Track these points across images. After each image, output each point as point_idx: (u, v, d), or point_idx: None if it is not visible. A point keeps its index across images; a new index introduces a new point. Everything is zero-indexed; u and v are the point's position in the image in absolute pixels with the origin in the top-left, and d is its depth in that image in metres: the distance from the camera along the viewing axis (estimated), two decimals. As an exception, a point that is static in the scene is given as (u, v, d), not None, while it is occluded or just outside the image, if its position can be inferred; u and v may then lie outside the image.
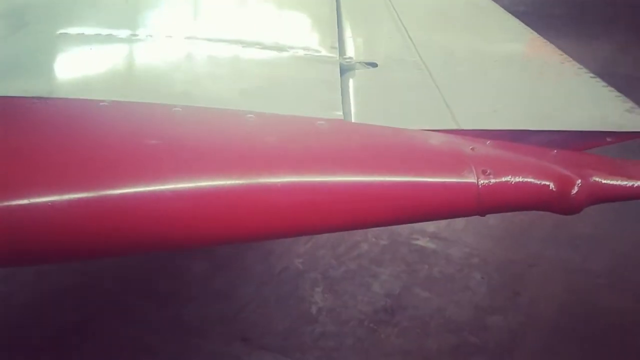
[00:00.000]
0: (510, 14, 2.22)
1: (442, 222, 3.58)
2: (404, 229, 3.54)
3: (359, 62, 1.62)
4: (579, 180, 1.07)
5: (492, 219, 3.56)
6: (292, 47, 1.73)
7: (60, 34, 1.65)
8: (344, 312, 2.95)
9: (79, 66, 1.50)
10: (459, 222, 3.57)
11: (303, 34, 1.93)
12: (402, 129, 1.24)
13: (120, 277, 3.24)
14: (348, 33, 1.90)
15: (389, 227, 3.53)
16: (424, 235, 3.49)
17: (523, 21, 2.43)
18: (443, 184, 1.07)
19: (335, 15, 2.01)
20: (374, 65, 1.62)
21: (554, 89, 1.57)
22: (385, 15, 2.15)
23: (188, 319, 2.90)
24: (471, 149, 1.14)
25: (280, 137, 1.15)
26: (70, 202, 0.88)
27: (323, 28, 1.89)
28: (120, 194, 0.91)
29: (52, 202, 0.87)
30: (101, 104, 1.15)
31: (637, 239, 3.43)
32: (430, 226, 3.55)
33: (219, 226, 0.98)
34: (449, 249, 3.39)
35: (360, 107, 1.33)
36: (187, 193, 0.94)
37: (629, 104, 1.40)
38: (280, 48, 1.73)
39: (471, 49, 1.88)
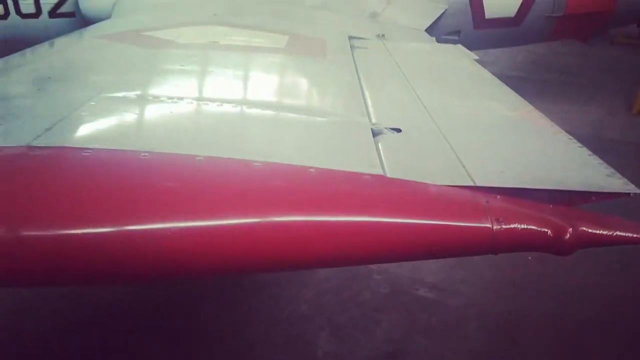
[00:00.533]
0: (508, 88, 2.48)
1: (441, 274, 3.75)
2: (404, 279, 3.71)
3: (386, 128, 1.88)
4: (571, 229, 1.35)
5: (488, 272, 3.75)
6: (330, 114, 1.99)
7: (140, 95, 1.97)
8: (348, 356, 3.10)
9: (172, 127, 1.79)
10: (457, 274, 3.76)
11: (337, 102, 2.19)
12: (431, 184, 1.52)
13: (129, 314, 3.39)
14: (370, 102, 2.16)
15: (390, 278, 3.71)
16: (424, 285, 3.66)
17: (517, 86, 2.69)
18: (467, 228, 1.35)
19: (359, 86, 2.27)
20: (399, 130, 1.87)
21: (548, 156, 1.84)
22: (400, 85, 2.41)
23: (197, 356, 3.03)
24: (486, 201, 1.42)
25: (338, 186, 1.47)
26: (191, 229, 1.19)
27: (351, 97, 2.16)
28: (227, 224, 1.24)
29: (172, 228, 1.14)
30: (197, 158, 1.45)
31: (622, 292, 3.60)
32: (429, 277, 3.73)
33: (305, 251, 1.30)
34: (448, 299, 3.55)
35: (393, 165, 1.59)
36: (276, 225, 1.27)
37: (610, 170, 1.68)
38: (321, 114, 1.99)
39: (477, 117, 2.15)
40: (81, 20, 4.98)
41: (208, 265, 1.23)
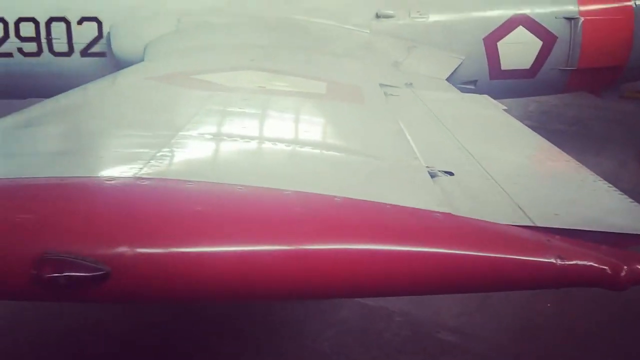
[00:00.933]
0: (543, 138, 2.60)
1: (462, 318, 3.79)
2: (425, 322, 3.75)
3: (440, 171, 1.98)
4: (625, 267, 1.47)
5: (508, 317, 3.79)
6: (386, 157, 2.13)
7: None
8: (371, 396, 3.13)
9: (252, 163, 1.95)
10: (478, 318, 3.80)
11: (389, 146, 2.31)
12: (497, 223, 1.63)
13: (146, 351, 3.43)
14: (415, 146, 2.25)
15: (411, 320, 3.76)
16: (445, 328, 3.70)
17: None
18: (534, 262, 1.46)
19: (405, 132, 2.40)
20: (451, 173, 1.98)
21: (594, 201, 1.96)
22: (440, 132, 2.53)
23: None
24: (547, 240, 1.54)
25: (413, 221, 1.60)
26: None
27: (400, 142, 2.29)
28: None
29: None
30: (285, 192, 1.60)
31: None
32: (450, 321, 3.77)
33: (386, 279, 1.44)
34: (469, 342, 3.59)
35: (454, 205, 1.70)
36: (359, 253, 1.41)
37: None
38: (379, 157, 2.13)
39: (521, 163, 2.27)
40: (112, 61, 5.16)
41: (313, 287, 1.38)
